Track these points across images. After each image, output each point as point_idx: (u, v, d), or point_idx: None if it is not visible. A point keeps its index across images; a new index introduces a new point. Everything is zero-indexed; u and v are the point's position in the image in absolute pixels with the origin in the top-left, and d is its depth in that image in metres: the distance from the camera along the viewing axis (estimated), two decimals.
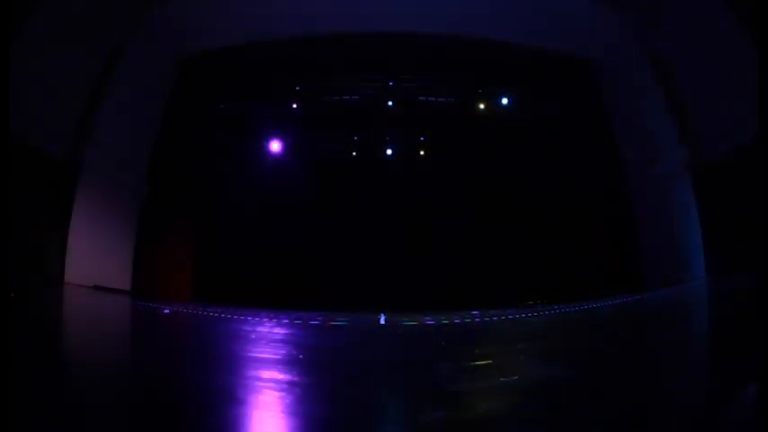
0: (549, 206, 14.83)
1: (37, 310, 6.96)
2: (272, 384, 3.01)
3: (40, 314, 6.69)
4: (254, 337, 6.36)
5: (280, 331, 7.05)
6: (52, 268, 10.51)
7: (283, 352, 4.92)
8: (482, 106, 15.16)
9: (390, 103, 15.07)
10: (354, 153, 15.86)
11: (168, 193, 14.13)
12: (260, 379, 3.20)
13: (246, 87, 14.77)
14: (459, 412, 2.38)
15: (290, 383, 3.06)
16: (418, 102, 15.27)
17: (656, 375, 3.07)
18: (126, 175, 13.28)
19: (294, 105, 15.12)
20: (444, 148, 15.83)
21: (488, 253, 14.79)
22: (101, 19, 11.55)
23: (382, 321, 9.40)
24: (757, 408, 1.76)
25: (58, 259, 10.69)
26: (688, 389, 2.50)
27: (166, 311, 9.65)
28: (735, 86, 9.90)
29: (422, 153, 16.03)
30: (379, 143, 15.75)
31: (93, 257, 11.44)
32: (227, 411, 2.23)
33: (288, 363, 4.02)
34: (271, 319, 8.97)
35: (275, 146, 15.48)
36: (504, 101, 15.04)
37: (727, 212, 10.64)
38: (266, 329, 7.27)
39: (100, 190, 12.00)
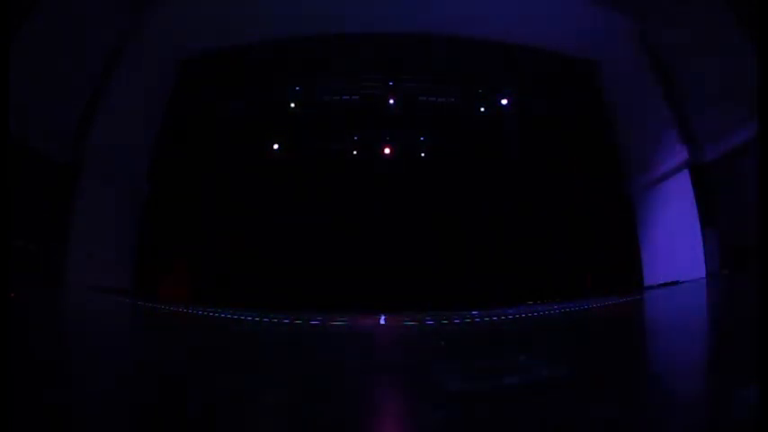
0: (550, 206, 14.85)
1: (37, 311, 6.96)
2: (271, 384, 3.01)
3: (40, 314, 6.70)
4: (254, 337, 6.37)
5: (280, 331, 7.06)
6: (52, 268, 10.51)
7: (283, 352, 4.93)
8: (482, 107, 15.19)
9: (391, 103, 15.08)
10: (354, 153, 15.86)
11: (168, 193, 14.15)
12: (259, 378, 3.20)
13: (246, 87, 14.78)
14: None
15: (290, 383, 3.07)
16: (418, 102, 15.28)
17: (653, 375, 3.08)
18: (126, 175, 13.29)
19: (294, 105, 15.14)
20: (444, 148, 15.83)
21: (488, 252, 14.80)
22: (100, 19, 11.57)
23: (382, 321, 9.42)
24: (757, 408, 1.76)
25: (59, 259, 10.70)
26: (686, 388, 2.51)
27: (166, 311, 9.64)
28: (734, 86, 9.93)
29: (422, 154, 16.02)
30: (379, 143, 15.75)
31: (94, 257, 11.44)
32: (227, 411, 2.24)
33: (288, 362, 4.03)
34: (270, 319, 8.97)
35: (275, 146, 15.50)
36: (504, 101, 15.05)
37: (727, 211, 10.67)
38: (266, 329, 7.28)
39: (100, 190, 12.01)
